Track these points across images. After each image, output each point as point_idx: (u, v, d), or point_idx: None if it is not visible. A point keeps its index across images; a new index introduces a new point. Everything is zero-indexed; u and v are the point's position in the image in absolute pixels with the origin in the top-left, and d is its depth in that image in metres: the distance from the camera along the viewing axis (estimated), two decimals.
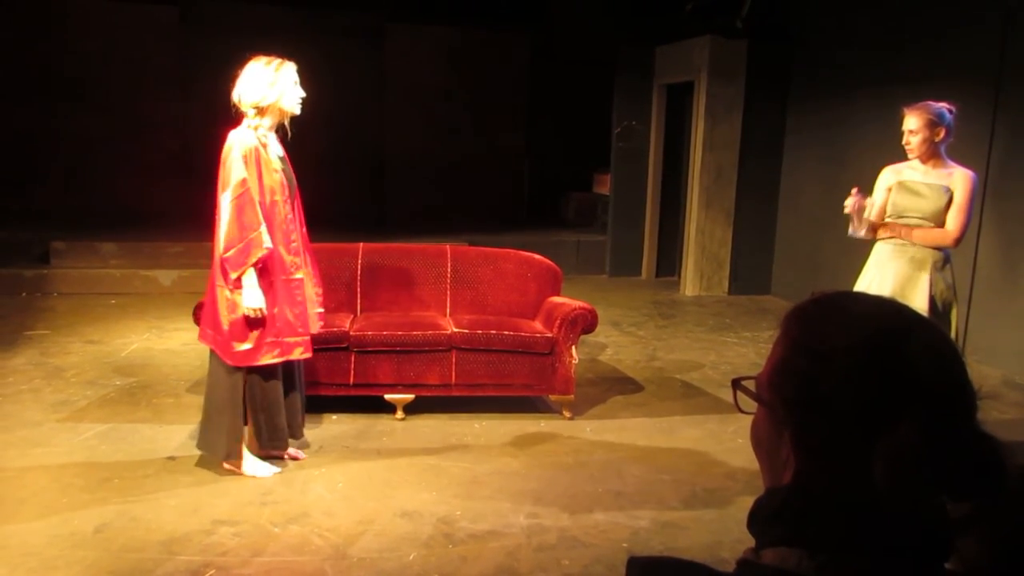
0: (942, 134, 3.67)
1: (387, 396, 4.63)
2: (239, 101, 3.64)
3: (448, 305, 5.12)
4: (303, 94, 3.73)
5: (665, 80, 9.13)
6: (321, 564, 3.08)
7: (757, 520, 0.88)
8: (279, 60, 3.68)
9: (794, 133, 8.47)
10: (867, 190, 3.95)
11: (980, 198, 6.06)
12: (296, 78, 3.71)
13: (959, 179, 3.70)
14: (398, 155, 10.75)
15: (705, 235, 8.63)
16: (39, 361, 5.51)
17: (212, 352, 3.82)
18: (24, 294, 7.53)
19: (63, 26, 10.03)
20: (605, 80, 9.50)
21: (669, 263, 9.53)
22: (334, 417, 4.59)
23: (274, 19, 10.27)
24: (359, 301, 5.08)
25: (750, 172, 8.56)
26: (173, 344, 6.05)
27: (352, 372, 4.58)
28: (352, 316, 4.91)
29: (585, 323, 4.69)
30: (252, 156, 3.60)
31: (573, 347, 4.68)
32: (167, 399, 4.86)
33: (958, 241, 3.71)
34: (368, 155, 10.80)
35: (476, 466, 4.05)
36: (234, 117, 3.69)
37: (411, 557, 3.16)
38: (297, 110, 3.72)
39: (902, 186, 3.80)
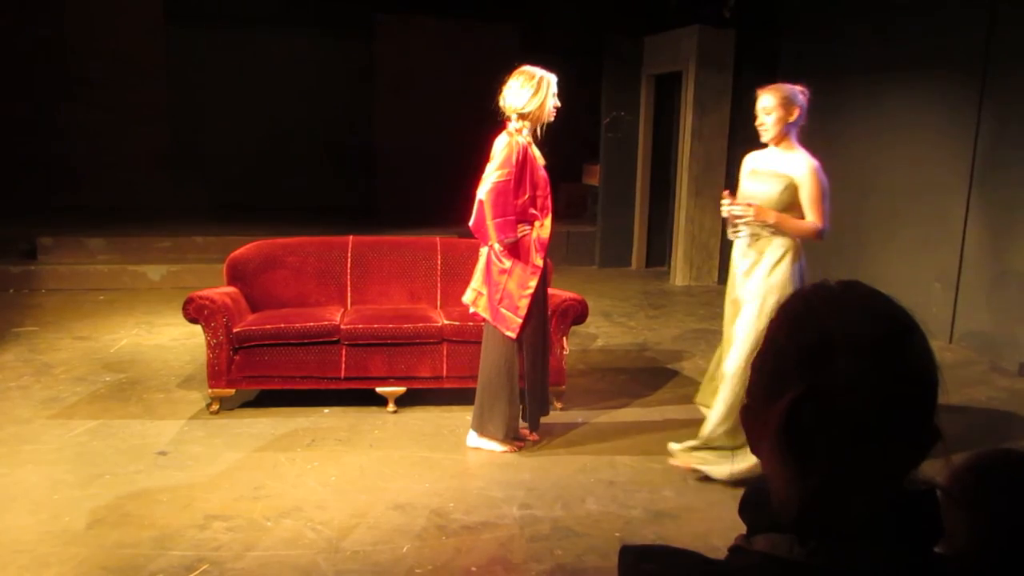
0: (796, 114, 3.59)
1: (379, 389, 4.63)
2: (507, 107, 3.87)
3: (439, 297, 5.12)
4: (559, 104, 3.90)
5: (653, 70, 9.12)
6: (314, 557, 3.09)
7: (748, 507, 0.89)
8: (541, 73, 3.85)
9: None
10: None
11: (967, 186, 6.10)
12: (556, 90, 3.89)
13: (803, 171, 3.57)
14: (387, 147, 10.71)
15: (695, 225, 8.65)
16: (28, 358, 5.49)
17: (487, 333, 4.03)
18: (11, 290, 7.48)
19: (48, 20, 9.94)
20: (594, 71, 9.48)
21: (659, 253, 9.54)
22: (326, 411, 4.59)
23: (262, 10, 10.21)
24: (349, 294, 5.07)
25: (739, 161, 8.50)
26: (163, 339, 6.03)
27: (343, 365, 4.57)
28: (343, 309, 4.90)
29: (575, 314, 4.69)
30: (521, 153, 3.85)
31: (564, 338, 4.68)
32: (157, 394, 4.84)
33: (822, 233, 3.57)
34: (358, 147, 10.75)
35: (468, 458, 4.06)
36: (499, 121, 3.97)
37: (404, 549, 3.17)
38: (551, 118, 3.90)
39: (752, 172, 3.83)
